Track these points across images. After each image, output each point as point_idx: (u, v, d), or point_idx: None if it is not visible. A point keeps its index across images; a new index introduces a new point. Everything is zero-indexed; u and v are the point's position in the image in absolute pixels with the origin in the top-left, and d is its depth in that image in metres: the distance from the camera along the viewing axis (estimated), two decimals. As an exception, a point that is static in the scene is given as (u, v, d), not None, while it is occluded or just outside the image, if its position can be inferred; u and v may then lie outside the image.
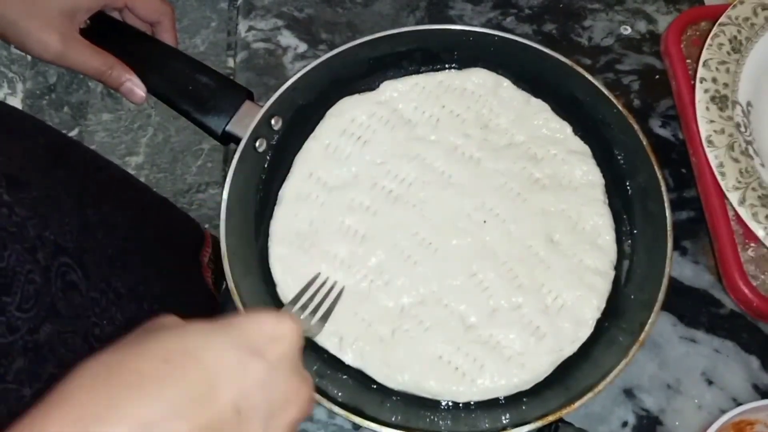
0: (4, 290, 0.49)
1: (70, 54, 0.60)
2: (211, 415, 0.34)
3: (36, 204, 0.56)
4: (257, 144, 0.61)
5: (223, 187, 0.58)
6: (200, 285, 0.75)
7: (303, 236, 0.59)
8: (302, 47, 0.73)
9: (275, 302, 0.58)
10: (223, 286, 0.60)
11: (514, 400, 0.55)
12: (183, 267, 0.76)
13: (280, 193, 0.61)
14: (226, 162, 0.61)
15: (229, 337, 0.36)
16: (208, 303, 0.73)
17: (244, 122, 0.61)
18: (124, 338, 0.36)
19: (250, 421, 0.35)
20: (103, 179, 0.77)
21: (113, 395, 0.32)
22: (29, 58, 1.80)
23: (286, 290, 0.58)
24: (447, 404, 0.55)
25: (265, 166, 0.62)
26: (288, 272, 0.58)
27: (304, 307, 0.48)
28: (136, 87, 0.62)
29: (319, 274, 0.53)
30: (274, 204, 0.61)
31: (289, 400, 0.37)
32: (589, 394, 0.52)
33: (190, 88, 0.62)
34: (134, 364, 0.34)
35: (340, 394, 0.54)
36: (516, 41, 0.64)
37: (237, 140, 0.61)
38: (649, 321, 0.54)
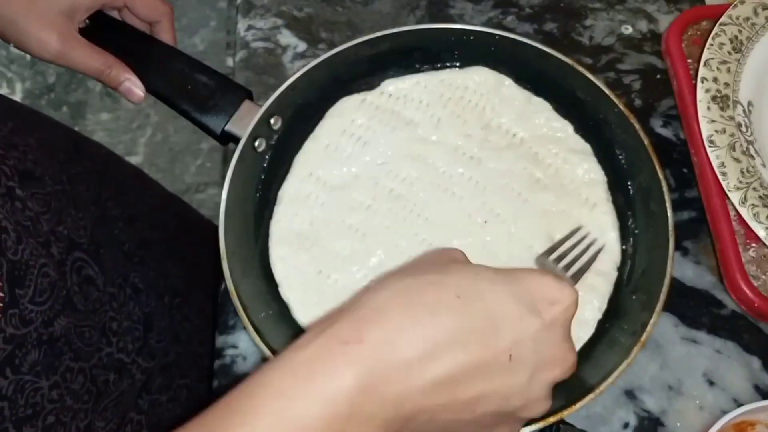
0: (17, 283, 0.49)
1: (69, 53, 0.60)
2: (488, 353, 0.37)
3: (49, 199, 0.56)
4: (256, 144, 0.61)
5: (222, 187, 0.58)
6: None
7: (303, 236, 0.59)
8: (302, 46, 0.73)
9: (276, 303, 0.57)
10: (222, 287, 0.60)
11: (515, 400, 0.55)
12: (204, 259, 0.76)
13: (280, 193, 0.61)
14: (225, 162, 0.61)
15: (514, 290, 0.39)
16: None
17: (244, 122, 0.60)
18: (418, 262, 0.42)
19: (518, 370, 0.38)
20: (123, 172, 0.77)
21: (416, 315, 0.37)
22: (28, 57, 1.80)
23: (287, 290, 0.57)
24: (447, 405, 0.55)
25: (265, 165, 0.62)
26: (289, 272, 0.58)
27: (559, 258, 0.48)
28: (134, 86, 0.62)
29: (581, 227, 0.52)
30: (274, 204, 0.61)
31: (555, 361, 0.40)
32: (591, 395, 0.52)
33: (189, 87, 0.62)
34: (435, 292, 0.38)
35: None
36: (517, 40, 0.63)
37: (236, 140, 0.60)
38: (651, 321, 0.54)
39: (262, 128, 0.61)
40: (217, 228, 0.56)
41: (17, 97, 1.77)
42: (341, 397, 0.34)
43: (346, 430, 0.34)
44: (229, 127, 0.61)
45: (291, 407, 0.34)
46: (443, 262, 0.42)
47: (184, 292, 0.72)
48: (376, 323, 0.36)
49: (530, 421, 0.52)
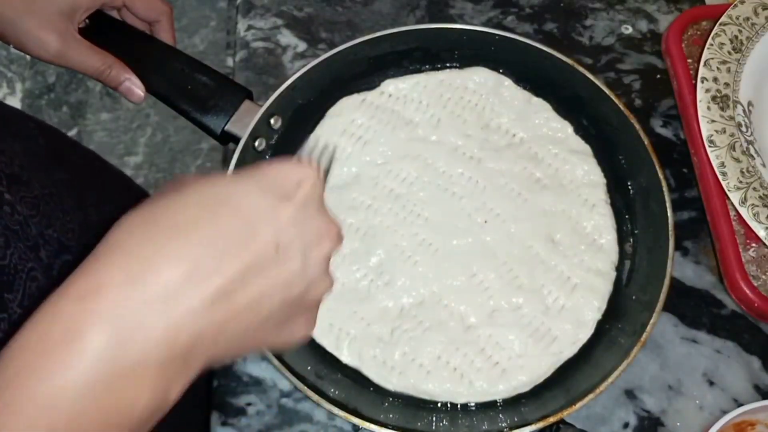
0: (6, 287, 0.49)
1: (69, 53, 0.60)
2: (255, 253, 0.36)
3: (38, 202, 0.56)
4: (256, 143, 0.61)
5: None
6: None
7: (302, 236, 0.59)
8: (302, 46, 0.73)
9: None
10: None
11: (514, 401, 0.55)
12: None
13: (280, 192, 0.61)
14: (225, 162, 0.61)
15: (258, 184, 0.38)
16: None
17: (244, 122, 0.60)
18: (154, 197, 0.37)
19: (289, 256, 0.37)
20: (103, 181, 0.77)
21: (159, 241, 0.34)
22: (28, 58, 1.80)
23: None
24: (445, 405, 0.55)
25: (265, 165, 0.62)
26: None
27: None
28: (134, 86, 0.62)
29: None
30: (274, 204, 0.61)
31: (321, 235, 0.40)
32: (591, 396, 0.52)
33: (189, 87, 0.62)
34: (173, 214, 0.35)
35: (338, 394, 0.54)
36: (517, 40, 0.64)
37: (236, 140, 0.60)
38: (651, 321, 0.54)
39: (262, 128, 0.61)
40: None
41: (17, 97, 1.77)
42: (93, 361, 0.31)
43: (116, 391, 0.32)
44: (229, 127, 0.61)
45: (45, 387, 0.31)
46: (179, 186, 0.39)
47: None
48: (113, 264, 0.33)
49: (530, 422, 0.52)
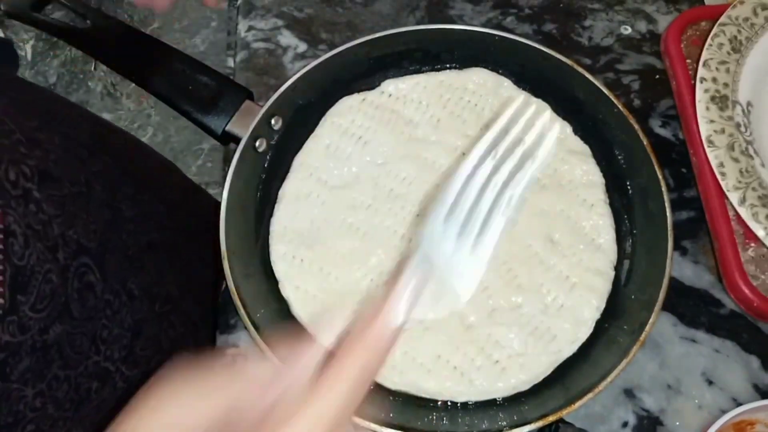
0: (20, 289, 0.49)
1: None
2: None
3: (65, 201, 0.55)
4: (257, 144, 0.61)
5: (222, 186, 0.58)
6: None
7: (304, 234, 0.59)
8: (302, 47, 0.73)
9: (276, 300, 0.58)
10: (223, 287, 0.60)
11: (514, 400, 0.55)
12: (205, 261, 0.75)
13: (281, 192, 0.61)
14: (226, 162, 0.61)
15: None
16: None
17: (244, 122, 0.61)
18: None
19: None
20: (147, 166, 0.76)
21: None
22: (29, 57, 1.81)
23: (288, 288, 0.58)
24: (445, 404, 0.55)
25: (265, 165, 0.62)
26: (290, 270, 0.58)
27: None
28: None
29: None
30: (275, 203, 0.61)
31: None
32: (590, 395, 0.52)
33: (190, 87, 0.62)
34: None
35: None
36: (516, 41, 0.64)
37: (237, 140, 0.61)
38: (650, 321, 0.54)
39: (262, 128, 0.61)
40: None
41: (18, 97, 1.77)
42: None
43: None
44: (229, 128, 0.61)
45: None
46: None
47: (176, 298, 0.71)
48: None
49: (529, 420, 0.52)
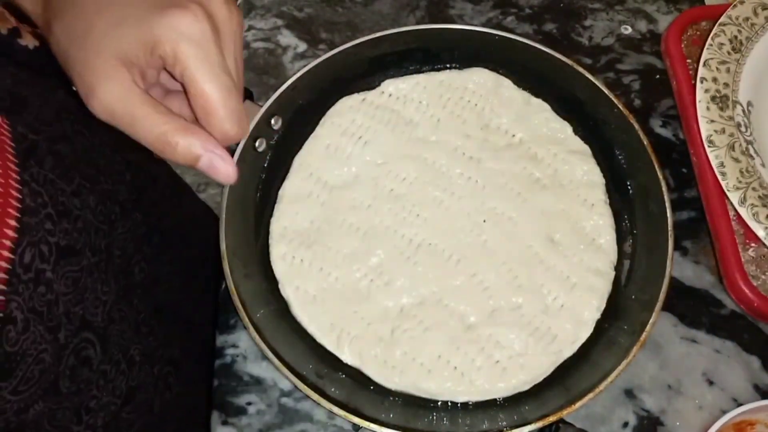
0: (3, 375, 0.46)
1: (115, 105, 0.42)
2: None
3: (80, 276, 0.53)
4: (257, 144, 0.61)
5: (222, 187, 0.58)
6: None
7: (304, 234, 0.59)
8: (302, 47, 0.73)
9: (276, 300, 0.57)
10: (223, 287, 0.60)
11: (514, 400, 0.55)
12: (210, 325, 0.71)
13: (281, 192, 0.61)
14: (226, 162, 0.60)
15: None
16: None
17: (244, 122, 0.60)
18: None
19: None
20: (176, 221, 0.72)
21: None
22: (29, 57, 1.80)
23: (288, 288, 0.58)
24: (446, 404, 0.55)
25: (265, 165, 0.62)
26: (290, 270, 0.58)
27: None
28: (221, 159, 0.43)
29: None
30: (275, 203, 0.61)
31: None
32: (590, 395, 0.52)
33: (189, 87, 0.62)
34: None
35: (338, 393, 0.54)
36: (516, 41, 0.64)
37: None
38: (650, 321, 0.54)
39: (262, 128, 0.61)
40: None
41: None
42: None
43: None
44: (229, 127, 0.61)
45: None
46: None
47: (178, 359, 0.68)
48: None
49: (529, 421, 0.52)
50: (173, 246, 0.70)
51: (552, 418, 0.52)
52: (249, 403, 0.58)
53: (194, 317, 0.73)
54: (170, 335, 0.67)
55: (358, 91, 0.64)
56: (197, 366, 0.71)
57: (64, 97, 0.58)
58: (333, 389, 0.54)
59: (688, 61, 0.66)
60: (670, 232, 0.57)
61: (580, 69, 0.63)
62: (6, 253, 0.46)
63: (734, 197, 0.58)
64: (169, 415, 0.67)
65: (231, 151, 0.60)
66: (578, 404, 0.52)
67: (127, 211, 0.61)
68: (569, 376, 0.56)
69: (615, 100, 0.61)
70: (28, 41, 0.57)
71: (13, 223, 0.47)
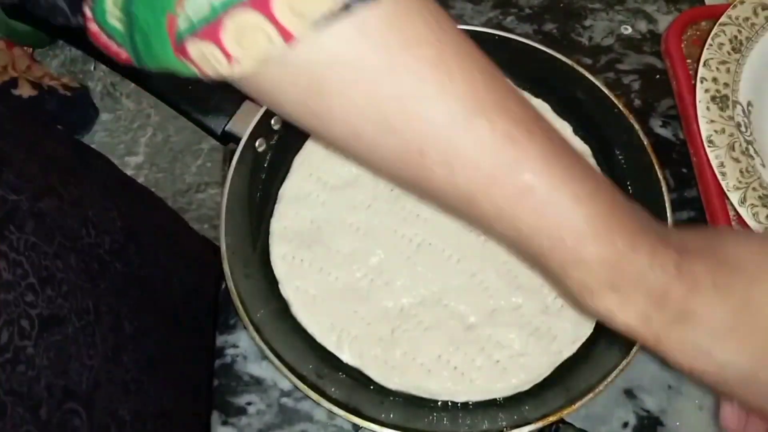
0: None
1: None
2: None
3: (65, 344, 0.51)
4: (257, 144, 0.61)
5: (222, 187, 0.58)
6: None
7: (304, 234, 0.59)
8: (302, 47, 0.73)
9: (276, 300, 0.58)
10: (223, 286, 0.60)
11: (514, 400, 0.55)
12: (204, 374, 0.68)
13: (281, 192, 0.61)
14: (226, 162, 0.61)
15: None
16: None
17: (244, 122, 0.61)
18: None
19: None
20: (170, 257, 0.70)
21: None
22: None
23: (288, 288, 0.58)
24: (446, 404, 0.55)
25: (265, 165, 0.62)
26: (290, 270, 0.58)
27: None
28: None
29: None
30: (275, 203, 0.61)
31: None
32: (590, 395, 0.52)
33: (189, 87, 0.62)
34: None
35: (338, 393, 0.54)
36: (516, 41, 0.64)
37: (237, 140, 0.60)
38: (650, 321, 0.54)
39: (262, 128, 0.61)
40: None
41: (18, 97, 1.77)
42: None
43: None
44: (229, 128, 0.61)
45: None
46: None
47: (170, 411, 0.66)
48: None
49: (530, 421, 0.52)
50: (158, 291, 0.68)
51: (552, 418, 0.52)
52: (249, 403, 0.58)
53: (186, 367, 0.71)
54: (161, 387, 0.65)
55: (358, 91, 0.64)
56: (192, 416, 0.69)
57: (53, 147, 0.56)
58: (333, 389, 0.54)
59: (688, 61, 0.66)
60: (670, 232, 0.57)
61: (581, 69, 0.63)
62: None
63: (734, 197, 0.58)
64: None
65: (231, 152, 0.61)
66: (578, 404, 0.51)
67: (105, 263, 0.59)
68: (569, 376, 0.56)
69: (615, 100, 0.61)
70: (23, 91, 0.56)
71: None
